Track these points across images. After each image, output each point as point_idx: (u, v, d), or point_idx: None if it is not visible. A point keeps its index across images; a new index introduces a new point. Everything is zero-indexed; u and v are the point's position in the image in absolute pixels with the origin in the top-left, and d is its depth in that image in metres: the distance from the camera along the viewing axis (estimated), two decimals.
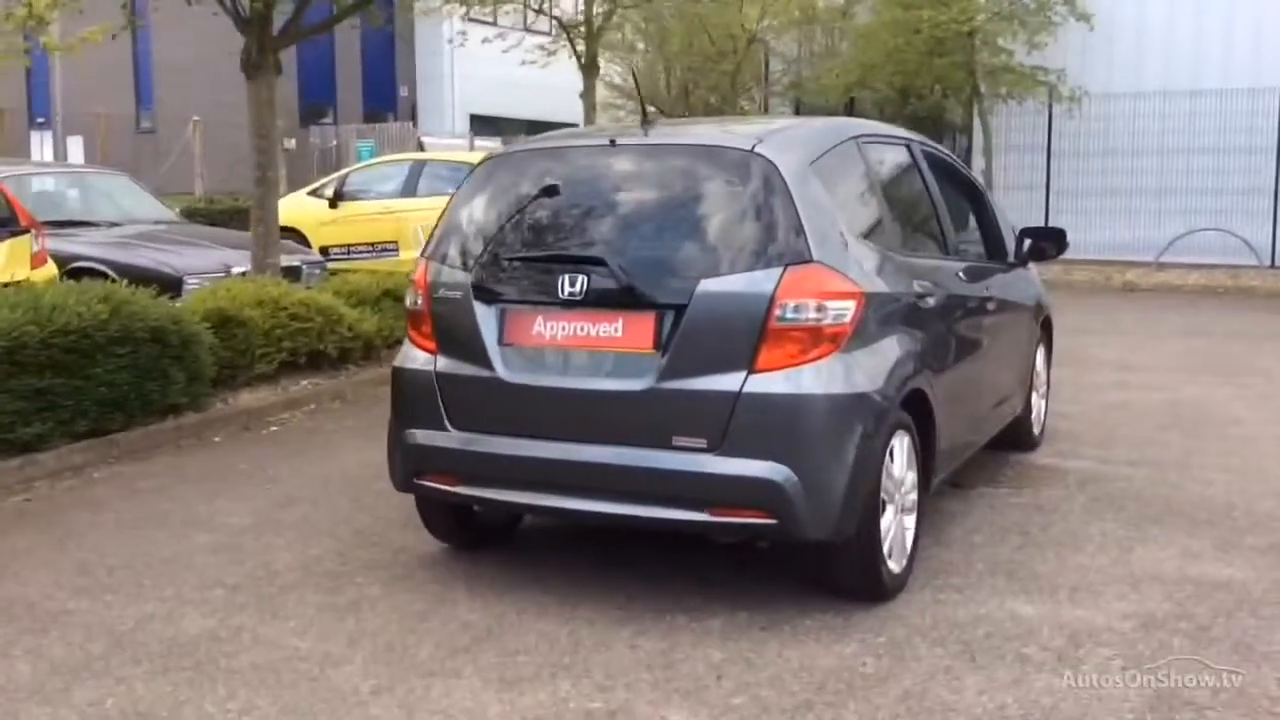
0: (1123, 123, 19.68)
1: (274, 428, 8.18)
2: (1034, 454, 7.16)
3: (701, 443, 4.25)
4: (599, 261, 4.40)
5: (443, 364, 4.70)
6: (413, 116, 32.99)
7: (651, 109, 4.83)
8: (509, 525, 5.37)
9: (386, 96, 34.52)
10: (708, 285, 4.28)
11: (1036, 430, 7.27)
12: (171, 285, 9.94)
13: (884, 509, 4.58)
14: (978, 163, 20.21)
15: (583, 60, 20.00)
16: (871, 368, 4.42)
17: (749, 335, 4.23)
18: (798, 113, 25.80)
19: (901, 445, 4.68)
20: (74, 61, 27.00)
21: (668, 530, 4.65)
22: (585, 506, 4.46)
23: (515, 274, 4.63)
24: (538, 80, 25.23)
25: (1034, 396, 7.15)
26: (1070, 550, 5.29)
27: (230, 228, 14.90)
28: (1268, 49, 19.04)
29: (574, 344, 4.47)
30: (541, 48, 22.40)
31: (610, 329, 4.41)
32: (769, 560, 5.02)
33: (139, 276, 9.85)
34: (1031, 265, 7.18)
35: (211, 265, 10.38)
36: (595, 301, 4.41)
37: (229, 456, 7.33)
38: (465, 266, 4.72)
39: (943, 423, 5.05)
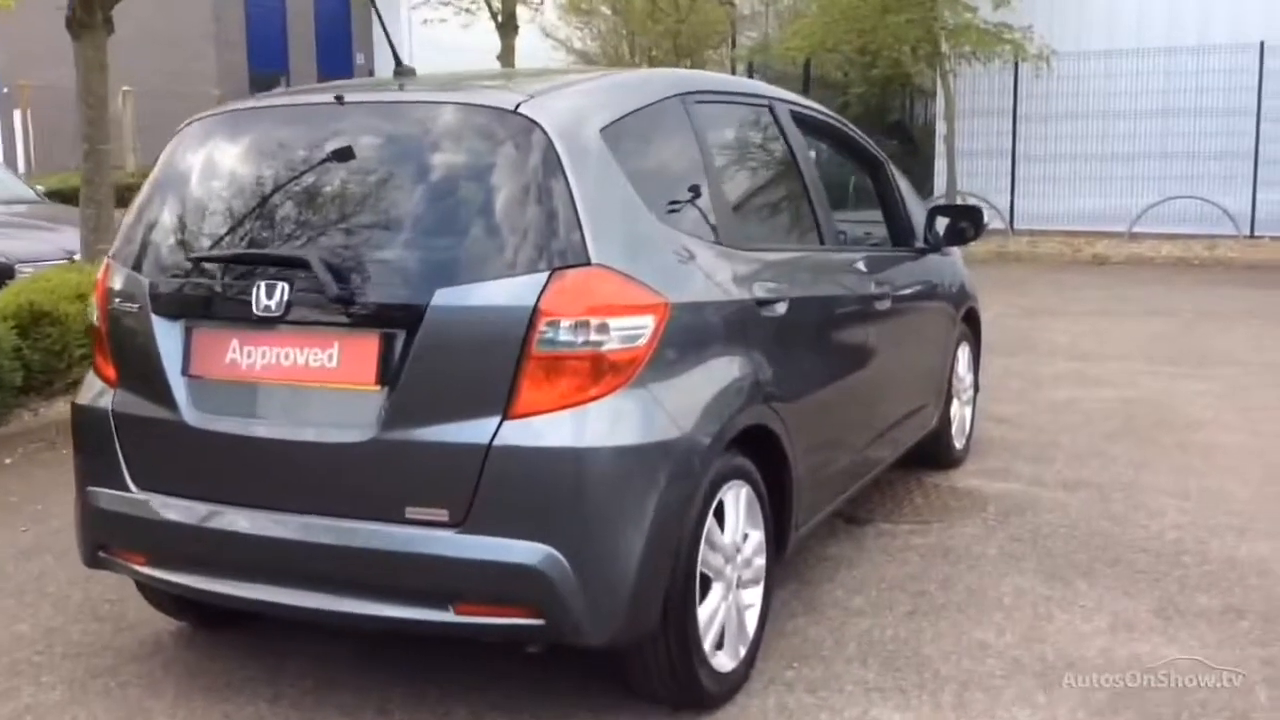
0: (1094, 83, 18.45)
1: None
2: (955, 472, 6.04)
3: (442, 514, 3.12)
4: (302, 263, 3.25)
5: (121, 400, 3.56)
6: None
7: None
8: None
9: (342, 65, 33.13)
10: (447, 297, 3.13)
11: (959, 444, 6.15)
12: (3, 274, 8.80)
13: (707, 589, 3.46)
14: (940, 128, 19.00)
15: (499, 19, 18.69)
16: (681, 404, 3.28)
17: (503, 366, 3.09)
18: (750, 77, 24.57)
19: (736, 501, 3.56)
20: (16, 33, 25.73)
21: (407, 633, 3.50)
22: (294, 601, 3.31)
23: (204, 280, 3.48)
24: (499, 48, 23.99)
25: (955, 404, 6.03)
26: (972, 619, 4.18)
27: None
28: (1248, 1, 17.83)
29: (275, 377, 3.32)
30: (447, 3, 20.78)
31: (321, 357, 3.26)
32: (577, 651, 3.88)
33: None
34: (955, 250, 6.03)
35: (50, 252, 9.21)
36: (301, 318, 3.27)
37: (7, 484, 6.17)
38: (146, 269, 3.57)
39: (804, 463, 3.94)
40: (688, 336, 3.36)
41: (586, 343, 3.09)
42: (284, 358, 3.29)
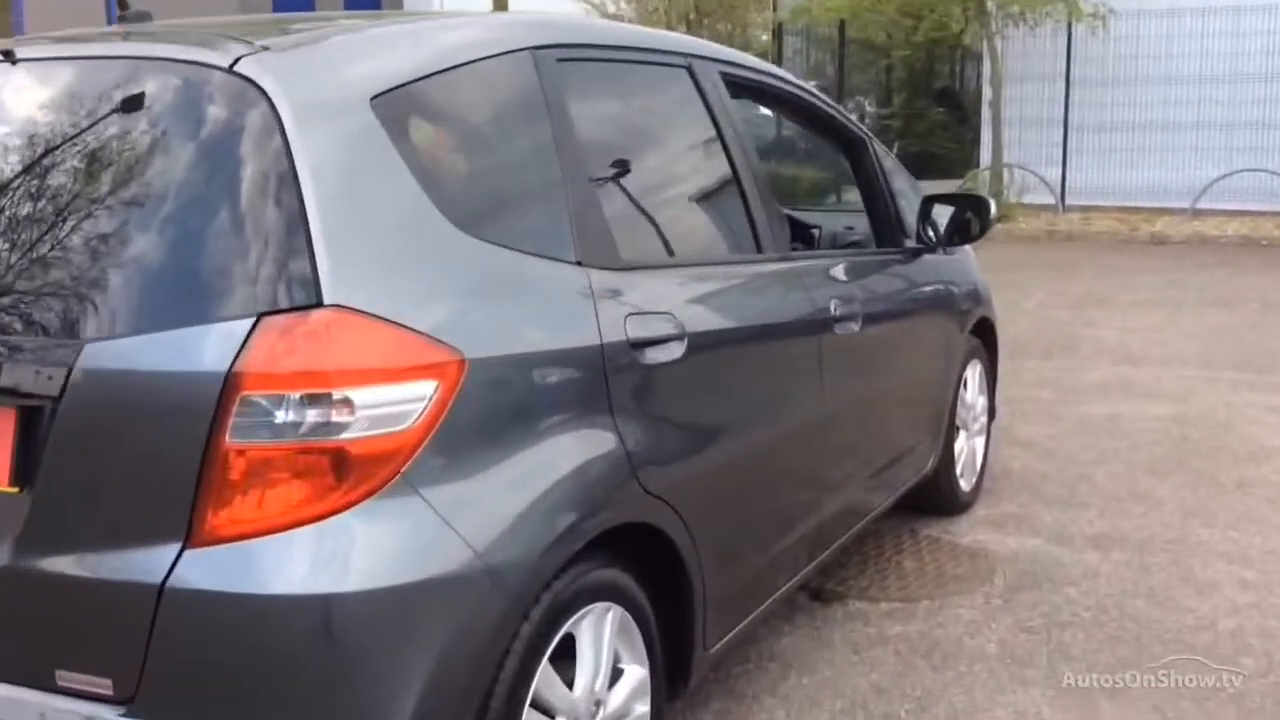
0: (1154, 45, 16.95)
1: None
2: (960, 521, 4.91)
3: (103, 686, 2.07)
4: None
5: None
6: None
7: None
8: None
9: None
10: (101, 355, 2.07)
11: (966, 485, 5.00)
12: None
13: None
14: (986, 94, 17.63)
15: None
16: (483, 512, 2.20)
17: (183, 465, 2.02)
18: (778, 43, 23.24)
19: (596, 631, 2.49)
20: None
21: None
22: None
23: None
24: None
25: (961, 438, 4.89)
26: None
27: None
28: None
29: None
30: None
31: None
32: None
33: None
34: (968, 248, 4.87)
35: None
36: None
37: None
38: None
39: (715, 561, 2.86)
40: (502, 406, 2.28)
41: (314, 428, 2.01)
42: None
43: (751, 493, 3.13)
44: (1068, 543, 4.65)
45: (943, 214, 4.41)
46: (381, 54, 2.45)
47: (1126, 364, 7.95)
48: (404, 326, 2.11)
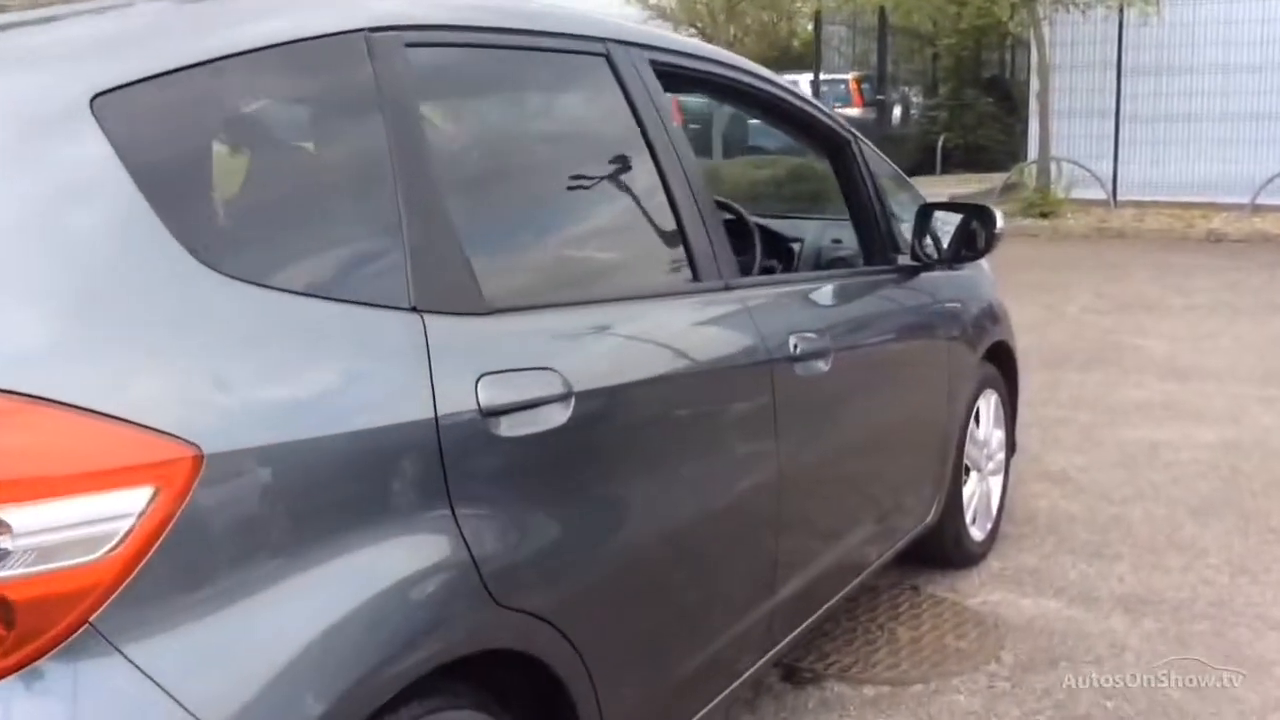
0: (1211, 31, 16.08)
1: None
2: (969, 576, 4.27)
3: None
4: None
5: None
6: None
7: None
8: None
9: None
10: None
11: (979, 533, 4.35)
12: None
13: None
14: (1034, 84, 16.81)
15: None
16: (231, 670, 1.62)
17: None
18: (816, 33, 22.47)
19: None
20: None
21: None
22: None
23: None
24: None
25: (972, 480, 4.25)
26: None
27: None
28: None
29: None
30: None
31: None
32: None
33: None
34: (981, 261, 4.20)
35: None
36: None
37: None
38: None
39: (620, 680, 2.27)
40: (266, 515, 1.68)
41: None
42: None
43: (672, 586, 2.52)
44: (1094, 605, 4.00)
45: (942, 223, 3.77)
46: (130, 39, 1.84)
47: (1174, 380, 7.23)
48: (100, 413, 1.51)
